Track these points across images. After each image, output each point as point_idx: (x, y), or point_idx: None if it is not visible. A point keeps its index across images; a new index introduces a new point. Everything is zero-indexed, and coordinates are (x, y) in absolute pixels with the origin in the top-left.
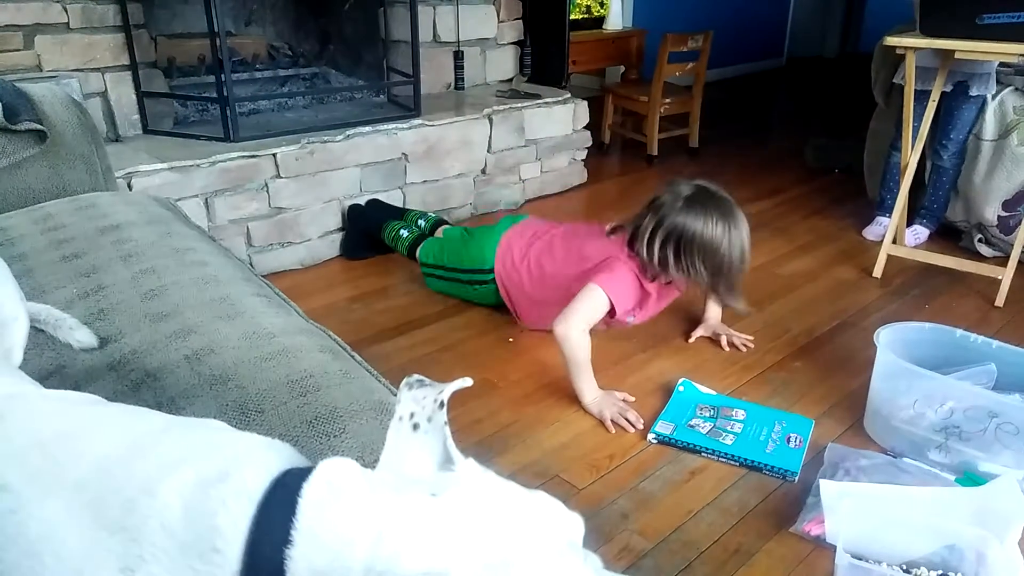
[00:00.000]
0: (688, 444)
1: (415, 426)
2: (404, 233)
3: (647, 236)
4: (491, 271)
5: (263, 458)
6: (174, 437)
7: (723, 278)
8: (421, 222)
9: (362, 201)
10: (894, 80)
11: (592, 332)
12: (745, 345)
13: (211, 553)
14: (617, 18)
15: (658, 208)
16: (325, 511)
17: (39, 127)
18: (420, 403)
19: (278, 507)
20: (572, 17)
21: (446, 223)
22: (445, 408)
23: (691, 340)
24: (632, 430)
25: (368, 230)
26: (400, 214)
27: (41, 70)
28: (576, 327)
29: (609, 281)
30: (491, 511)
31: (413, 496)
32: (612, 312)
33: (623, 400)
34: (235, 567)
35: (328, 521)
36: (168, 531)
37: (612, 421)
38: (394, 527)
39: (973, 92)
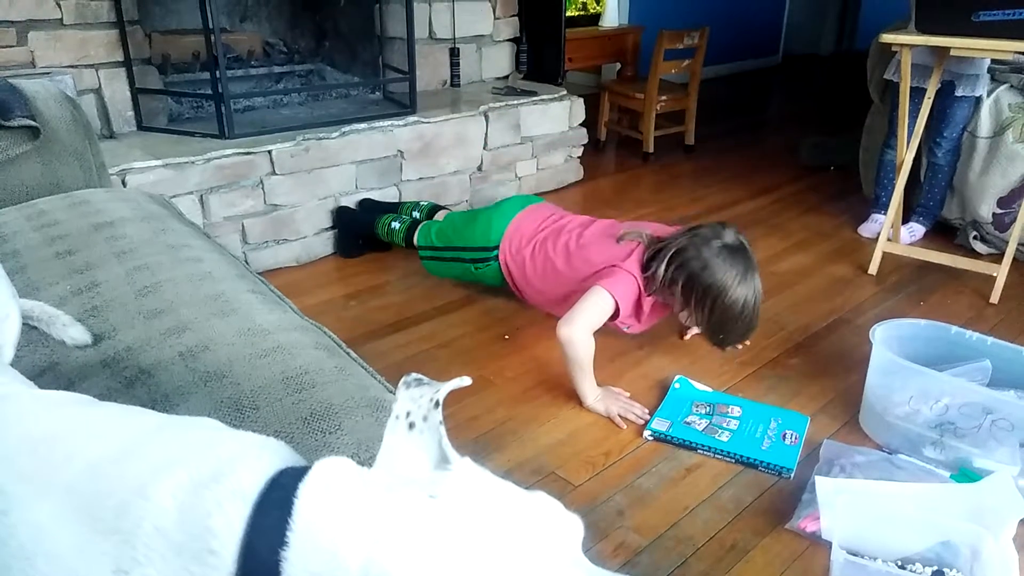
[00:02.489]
0: (684, 441)
1: (411, 425)
2: (396, 225)
3: (669, 258)
4: (495, 249)
5: (258, 458)
6: (167, 437)
7: (722, 333)
8: (415, 213)
9: (357, 199)
10: (886, 76)
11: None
12: (741, 342)
13: (206, 555)
14: (613, 15)
15: (693, 239)
16: (321, 512)
17: (32, 123)
18: (416, 402)
19: (273, 508)
20: (568, 14)
21: (442, 208)
22: (440, 407)
23: (686, 338)
24: (641, 423)
25: (361, 232)
26: (392, 208)
27: (35, 66)
28: (581, 329)
29: (614, 285)
30: (489, 515)
31: (410, 498)
32: (615, 315)
33: (620, 395)
34: (230, 569)
35: (324, 523)
36: (162, 533)
37: (621, 416)
38: (391, 530)
39: (959, 93)
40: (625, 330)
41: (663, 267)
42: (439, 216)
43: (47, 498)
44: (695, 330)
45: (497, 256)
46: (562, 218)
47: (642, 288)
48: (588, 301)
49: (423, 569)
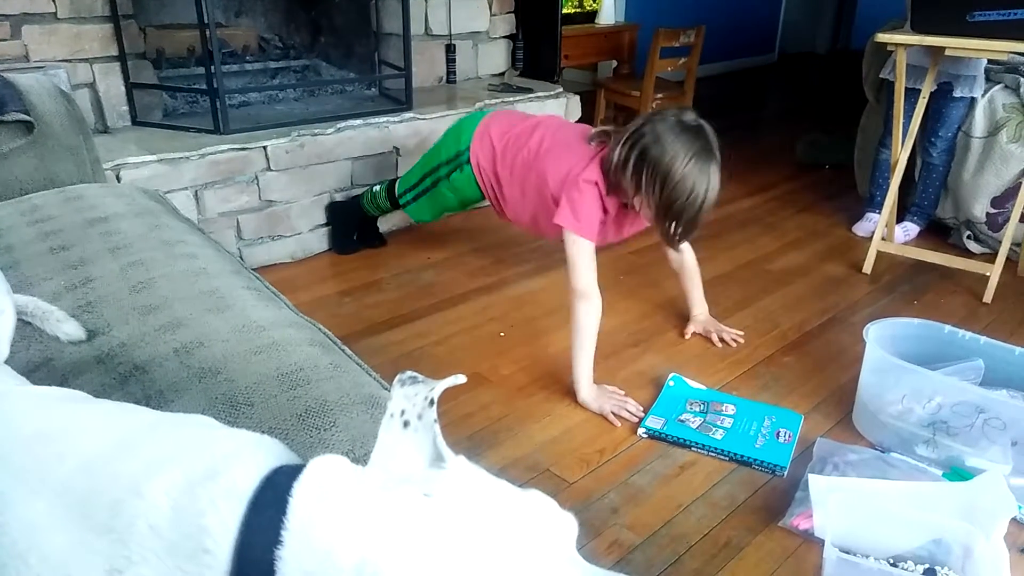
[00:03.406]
0: (678, 439)
1: (406, 423)
2: (377, 188)
3: (625, 138)
4: (466, 151)
5: (252, 456)
6: (161, 435)
7: (671, 218)
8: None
9: (352, 195)
10: (882, 75)
11: None
12: (735, 340)
13: (200, 554)
14: (609, 12)
15: (652, 117)
16: (315, 511)
17: (26, 118)
18: (411, 400)
19: (268, 507)
20: (564, 11)
21: None
22: (435, 405)
23: (686, 337)
24: (635, 420)
25: (351, 219)
26: None
27: (28, 60)
28: (587, 283)
29: (574, 216)
30: (484, 514)
31: (405, 497)
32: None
33: (614, 393)
34: (224, 568)
35: (318, 522)
36: (156, 532)
37: (614, 414)
38: (385, 529)
39: (957, 94)
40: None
41: (618, 148)
42: None
43: (40, 496)
44: (692, 328)
45: (469, 158)
46: (531, 118)
47: (602, 190)
48: (570, 256)
49: (417, 568)
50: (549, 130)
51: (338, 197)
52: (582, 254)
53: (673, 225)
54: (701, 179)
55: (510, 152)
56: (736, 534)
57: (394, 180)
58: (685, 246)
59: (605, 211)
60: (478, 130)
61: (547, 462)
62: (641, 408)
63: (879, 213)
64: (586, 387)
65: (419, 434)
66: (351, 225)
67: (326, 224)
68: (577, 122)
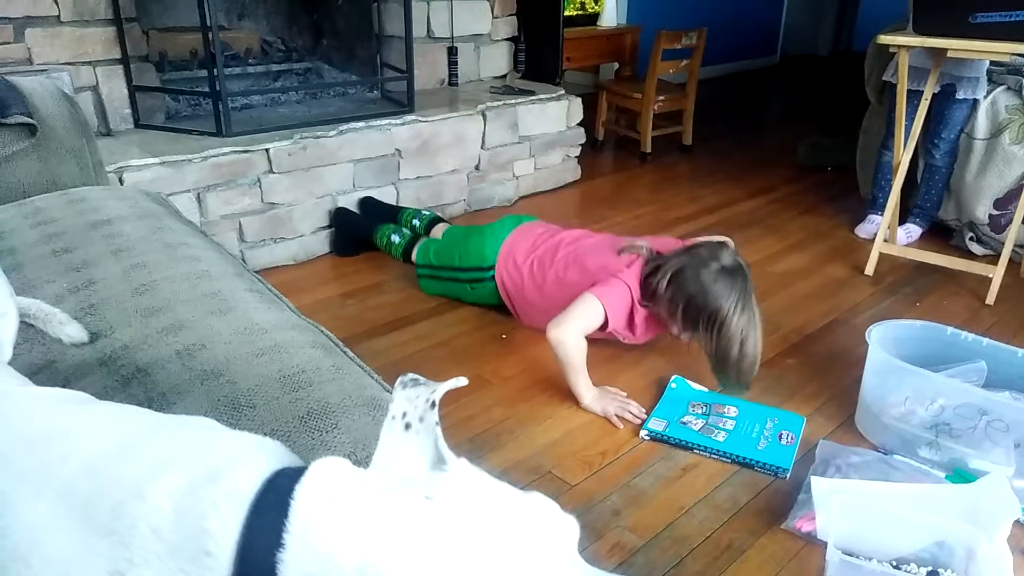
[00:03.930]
0: (680, 441)
1: (407, 425)
2: (396, 239)
3: (668, 278)
4: (491, 268)
5: (254, 458)
6: (163, 437)
7: (723, 361)
8: (415, 221)
9: (355, 198)
10: (884, 77)
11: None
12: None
13: (202, 556)
14: (611, 15)
15: (691, 259)
16: (317, 514)
17: (29, 121)
18: (413, 402)
19: (270, 510)
20: (566, 13)
21: (442, 220)
22: (436, 408)
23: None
24: (638, 422)
25: (358, 236)
26: (393, 214)
27: (32, 63)
28: (570, 332)
29: (606, 293)
30: (486, 517)
31: (407, 500)
32: (604, 325)
33: (617, 394)
34: (226, 570)
35: (320, 524)
36: (158, 534)
37: (618, 416)
38: (387, 532)
39: (959, 96)
40: (622, 339)
41: (662, 287)
42: (436, 231)
43: (42, 498)
44: None
45: (493, 276)
46: (557, 233)
47: (635, 300)
48: (578, 306)
49: (419, 571)
50: (576, 242)
51: (342, 201)
52: (591, 312)
53: (729, 373)
54: (749, 329)
55: (538, 273)
56: (738, 536)
57: (414, 239)
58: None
59: (632, 319)
60: (503, 251)
61: (549, 464)
62: (644, 410)
63: (881, 215)
64: (587, 395)
65: (421, 436)
66: (355, 233)
67: (329, 227)
68: (578, 125)
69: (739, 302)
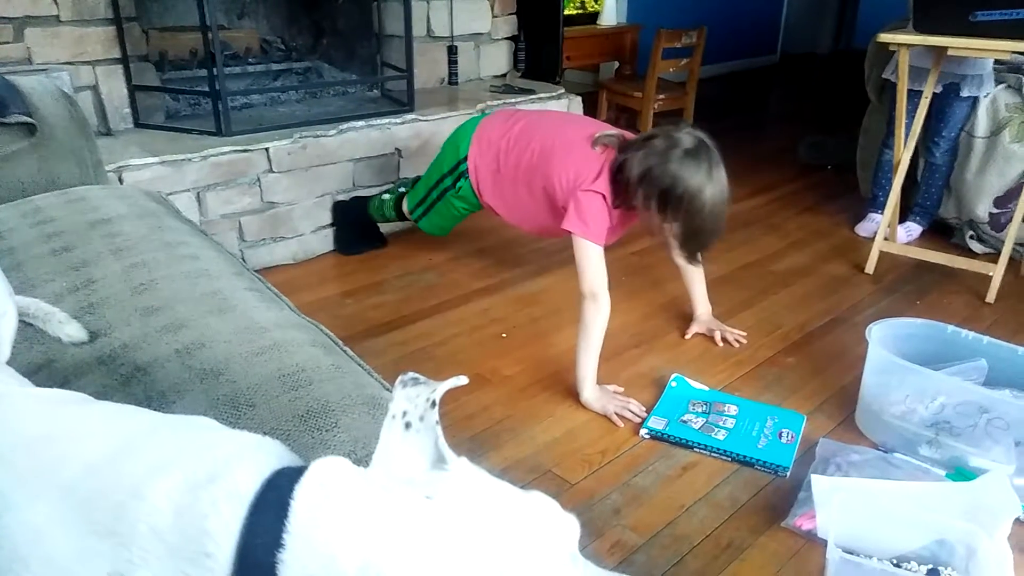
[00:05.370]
0: (680, 439)
1: (407, 425)
2: (386, 196)
3: (635, 174)
4: (465, 160)
5: (254, 458)
6: (163, 437)
7: (695, 238)
8: (402, 188)
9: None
10: (884, 76)
11: None
12: (738, 340)
13: (202, 557)
14: (611, 13)
15: (655, 149)
16: (317, 514)
17: (29, 120)
18: (413, 401)
19: (270, 510)
20: (566, 12)
21: None
22: (437, 407)
23: (687, 337)
24: (638, 421)
25: (357, 219)
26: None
27: (31, 63)
28: (599, 286)
29: (584, 223)
30: (486, 516)
31: (407, 499)
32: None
33: (616, 393)
34: (226, 571)
35: (321, 524)
36: (158, 535)
37: (617, 415)
38: (388, 532)
39: (964, 94)
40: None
41: (633, 185)
42: None
43: (42, 499)
44: (695, 328)
45: (467, 169)
46: (529, 115)
47: (610, 205)
48: (580, 260)
49: (420, 571)
50: (551, 129)
51: (342, 197)
52: (592, 257)
53: (694, 244)
54: (720, 199)
55: (513, 154)
56: (739, 535)
57: (402, 193)
58: None
59: (609, 221)
60: (475, 135)
61: (549, 463)
62: (644, 409)
63: (882, 213)
64: (589, 388)
65: (421, 435)
66: (355, 226)
67: (329, 225)
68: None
69: (708, 176)
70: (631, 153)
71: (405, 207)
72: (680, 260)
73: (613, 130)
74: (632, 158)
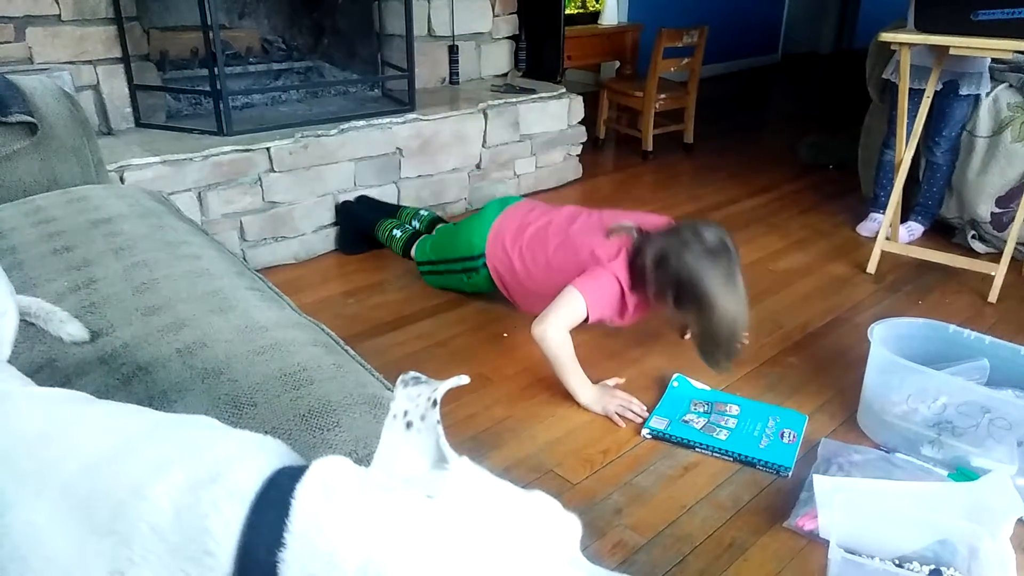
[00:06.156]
0: (682, 439)
1: (408, 424)
2: (397, 233)
3: (651, 259)
4: (481, 256)
5: (255, 457)
6: (163, 436)
7: (710, 341)
8: (415, 222)
9: (354, 196)
10: (885, 75)
11: (584, 328)
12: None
13: (203, 556)
14: (612, 13)
15: (675, 237)
16: (318, 513)
17: (30, 119)
18: (414, 401)
19: (270, 509)
20: (567, 12)
21: (442, 221)
22: (438, 406)
23: (686, 337)
24: (639, 421)
25: (361, 230)
26: (394, 211)
27: (32, 62)
28: (553, 327)
29: (590, 288)
30: (488, 516)
31: (408, 498)
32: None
33: (615, 387)
34: (227, 570)
35: (321, 524)
36: (159, 534)
37: (619, 415)
38: (388, 531)
39: (963, 91)
40: (609, 324)
41: (648, 271)
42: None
43: (43, 498)
44: None
45: (485, 263)
46: (545, 214)
47: (625, 288)
48: (560, 301)
49: (421, 570)
50: (566, 225)
51: (346, 197)
52: (574, 308)
53: (715, 349)
54: (738, 308)
55: (528, 257)
56: (740, 535)
57: (413, 236)
58: None
59: (624, 305)
60: (490, 237)
61: (550, 463)
62: (645, 408)
63: (883, 213)
64: (585, 392)
65: (422, 435)
66: (358, 227)
67: (331, 224)
68: (580, 123)
69: (725, 282)
70: (652, 238)
71: (413, 254)
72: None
73: (629, 220)
74: (652, 242)
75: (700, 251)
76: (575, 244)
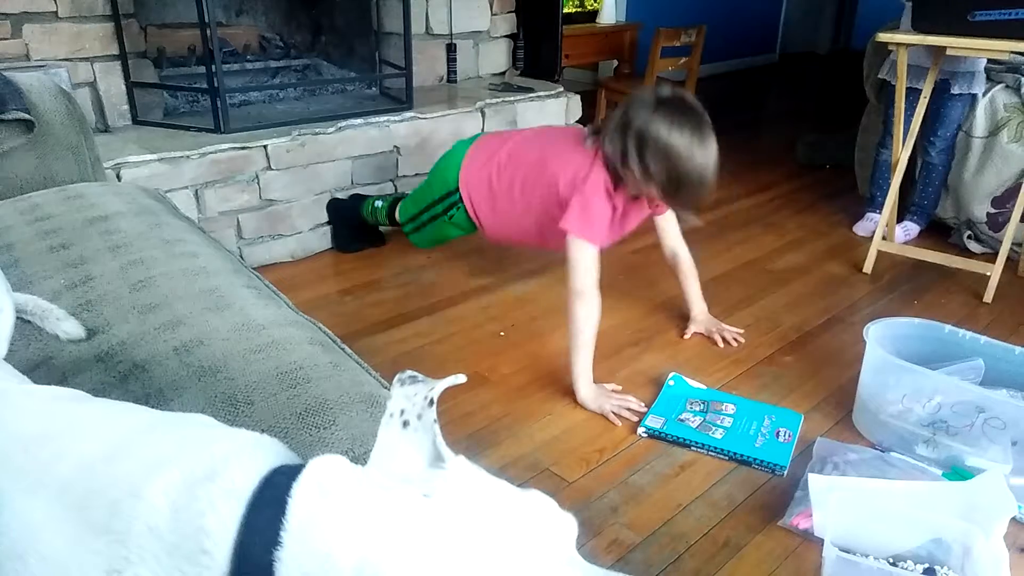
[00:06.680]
0: (678, 438)
1: (405, 423)
2: (379, 203)
3: (612, 128)
4: (457, 190)
5: (251, 456)
6: (160, 435)
7: (679, 190)
8: (378, 203)
9: (351, 194)
10: (881, 75)
11: None
12: (736, 339)
13: (199, 555)
14: (610, 12)
15: (629, 104)
16: (315, 512)
17: (27, 116)
18: (411, 400)
19: (267, 508)
20: (565, 11)
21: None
22: (435, 405)
23: (686, 337)
24: (636, 419)
25: (350, 219)
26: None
27: (29, 59)
28: (589, 286)
29: (581, 225)
30: (484, 514)
31: (405, 497)
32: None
33: (613, 391)
34: (223, 569)
35: (318, 523)
36: (155, 533)
37: (615, 413)
38: (385, 530)
39: (955, 90)
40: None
41: (612, 142)
42: None
43: (39, 496)
44: (693, 328)
45: (461, 197)
46: (516, 134)
47: (610, 189)
48: (572, 260)
49: (417, 569)
50: (538, 143)
51: (337, 195)
52: (585, 256)
53: (686, 196)
54: (701, 146)
55: (505, 177)
56: (736, 533)
57: (395, 200)
58: (679, 242)
59: (614, 208)
60: (463, 165)
61: (547, 461)
62: (643, 404)
63: (879, 213)
64: (585, 387)
65: (419, 434)
66: (353, 224)
67: (327, 223)
68: (577, 122)
69: (687, 126)
70: (610, 117)
71: (397, 217)
72: (667, 248)
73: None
74: (610, 119)
75: (652, 102)
76: (556, 159)
